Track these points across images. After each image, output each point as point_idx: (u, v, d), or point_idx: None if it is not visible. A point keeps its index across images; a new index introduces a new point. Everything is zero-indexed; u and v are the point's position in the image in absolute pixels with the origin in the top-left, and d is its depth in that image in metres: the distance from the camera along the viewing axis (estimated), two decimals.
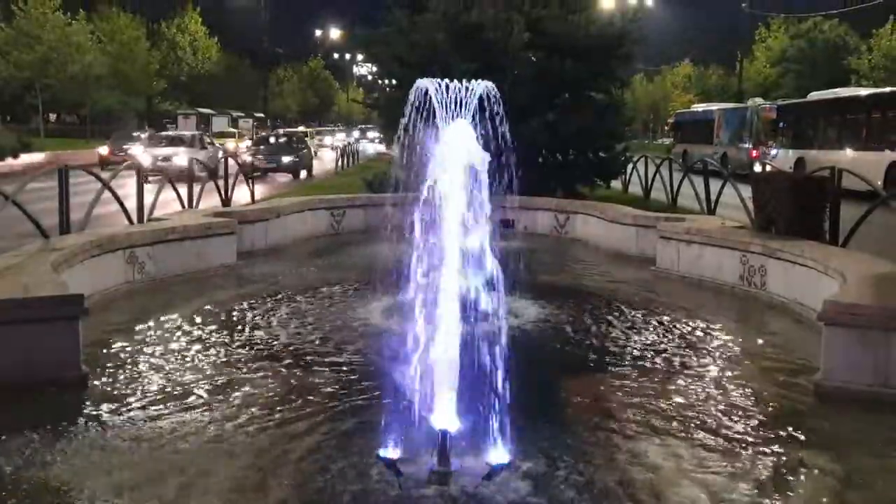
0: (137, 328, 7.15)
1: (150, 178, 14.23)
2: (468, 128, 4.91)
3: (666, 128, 72.27)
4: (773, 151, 30.45)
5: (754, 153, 31.87)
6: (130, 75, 52.98)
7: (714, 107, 42.27)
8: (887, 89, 27.64)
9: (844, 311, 5.72)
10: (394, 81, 20.13)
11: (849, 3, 55.12)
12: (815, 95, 31.17)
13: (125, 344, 6.64)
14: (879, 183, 18.77)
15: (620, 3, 37.18)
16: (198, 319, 7.53)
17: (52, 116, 66.42)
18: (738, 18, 54.21)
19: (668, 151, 36.19)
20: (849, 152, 24.81)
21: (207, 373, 5.99)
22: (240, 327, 7.35)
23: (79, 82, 45.96)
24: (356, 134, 69.80)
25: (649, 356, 6.62)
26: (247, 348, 6.67)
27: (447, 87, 5.29)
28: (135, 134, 38.98)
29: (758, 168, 26.87)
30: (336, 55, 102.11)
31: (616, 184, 21.34)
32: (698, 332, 7.41)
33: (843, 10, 56.11)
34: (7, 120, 56.65)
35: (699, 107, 46.73)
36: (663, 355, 6.64)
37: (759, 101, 36.86)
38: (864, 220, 9.32)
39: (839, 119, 27.62)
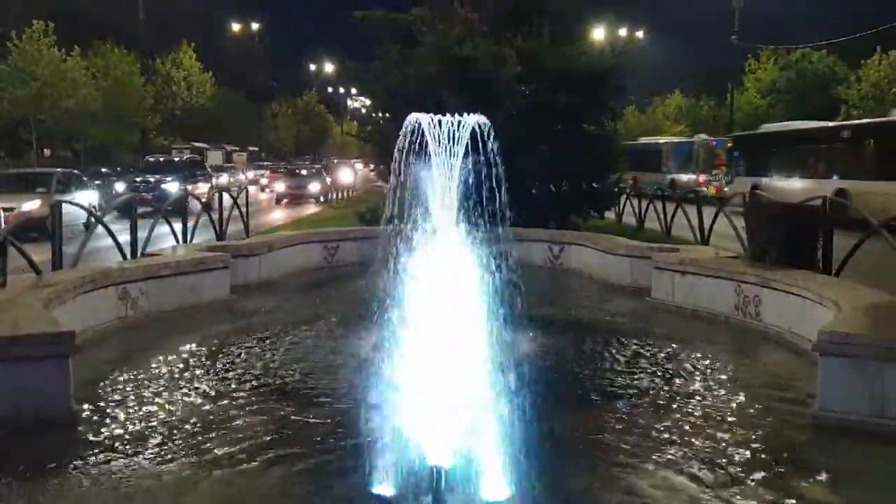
0: (129, 365, 7.07)
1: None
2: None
3: None
4: (719, 178, 36.23)
5: (701, 179, 37.31)
6: (125, 110, 53.13)
7: (662, 140, 47.96)
8: (831, 123, 30.78)
9: (839, 342, 5.71)
10: (387, 115, 20.22)
11: (836, 34, 55.76)
12: (765, 128, 34.60)
13: (117, 381, 6.57)
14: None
15: (611, 36, 37.69)
16: (190, 356, 7.47)
17: (47, 151, 66.42)
18: (728, 50, 54.59)
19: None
20: (798, 180, 27.25)
21: (200, 411, 5.92)
22: (232, 363, 7.28)
23: (73, 117, 46.08)
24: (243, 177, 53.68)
25: (645, 388, 6.59)
26: (239, 385, 6.60)
27: (440, 121, 5.31)
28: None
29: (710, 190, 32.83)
30: (330, 89, 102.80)
31: (610, 214, 21.40)
32: (693, 364, 7.37)
33: (831, 42, 56.64)
34: (0, 155, 56.64)
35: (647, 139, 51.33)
36: (659, 387, 6.60)
37: (703, 136, 43.88)
38: (857, 249, 9.35)
39: (789, 149, 29.86)
